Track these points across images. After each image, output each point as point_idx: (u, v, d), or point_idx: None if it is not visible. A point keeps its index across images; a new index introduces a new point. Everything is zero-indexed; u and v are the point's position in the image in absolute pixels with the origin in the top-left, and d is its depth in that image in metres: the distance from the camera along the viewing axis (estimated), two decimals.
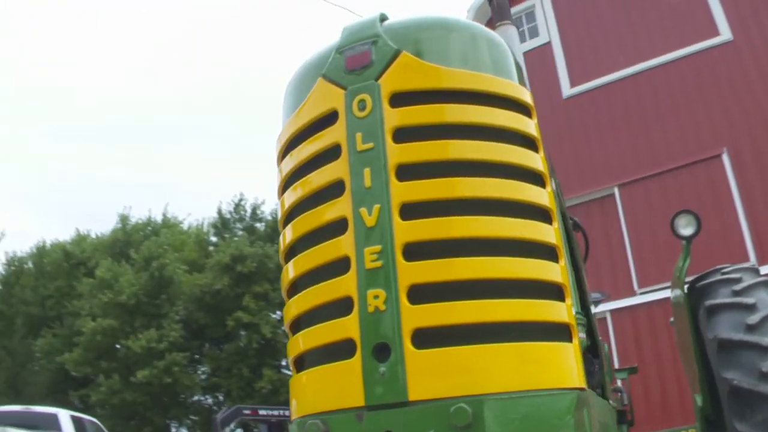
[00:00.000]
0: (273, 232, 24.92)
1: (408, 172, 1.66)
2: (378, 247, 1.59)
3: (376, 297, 1.55)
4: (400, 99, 1.72)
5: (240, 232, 26.38)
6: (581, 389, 1.58)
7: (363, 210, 1.63)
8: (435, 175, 1.64)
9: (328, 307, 1.68)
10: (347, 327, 1.59)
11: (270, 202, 26.93)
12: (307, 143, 1.84)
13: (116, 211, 30.95)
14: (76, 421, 9.89)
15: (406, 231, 1.59)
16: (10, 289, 27.83)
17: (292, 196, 1.87)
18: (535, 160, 1.77)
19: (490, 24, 2.80)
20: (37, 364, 25.79)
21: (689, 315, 2.90)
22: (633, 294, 10.86)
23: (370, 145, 1.68)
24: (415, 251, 1.58)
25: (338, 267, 1.66)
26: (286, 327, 1.87)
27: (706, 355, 2.72)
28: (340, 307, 1.63)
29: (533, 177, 1.75)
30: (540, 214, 1.72)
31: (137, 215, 29.08)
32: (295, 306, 1.79)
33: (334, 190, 1.73)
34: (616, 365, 8.22)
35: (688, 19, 11.58)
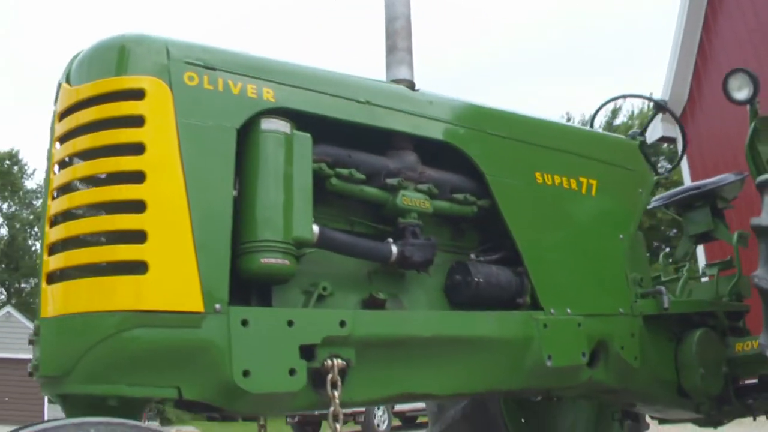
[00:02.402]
0: None
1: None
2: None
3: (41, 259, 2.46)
4: (61, 118, 2.51)
5: None
6: (149, 311, 2.08)
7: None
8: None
9: None
10: None
11: None
12: None
13: None
14: None
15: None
16: None
17: None
18: (130, 135, 2.28)
19: None
20: None
21: None
22: None
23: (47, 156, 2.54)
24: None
25: None
26: None
27: None
28: None
29: (128, 149, 2.29)
30: (122, 178, 2.20)
31: None
32: None
33: None
34: None
35: None
